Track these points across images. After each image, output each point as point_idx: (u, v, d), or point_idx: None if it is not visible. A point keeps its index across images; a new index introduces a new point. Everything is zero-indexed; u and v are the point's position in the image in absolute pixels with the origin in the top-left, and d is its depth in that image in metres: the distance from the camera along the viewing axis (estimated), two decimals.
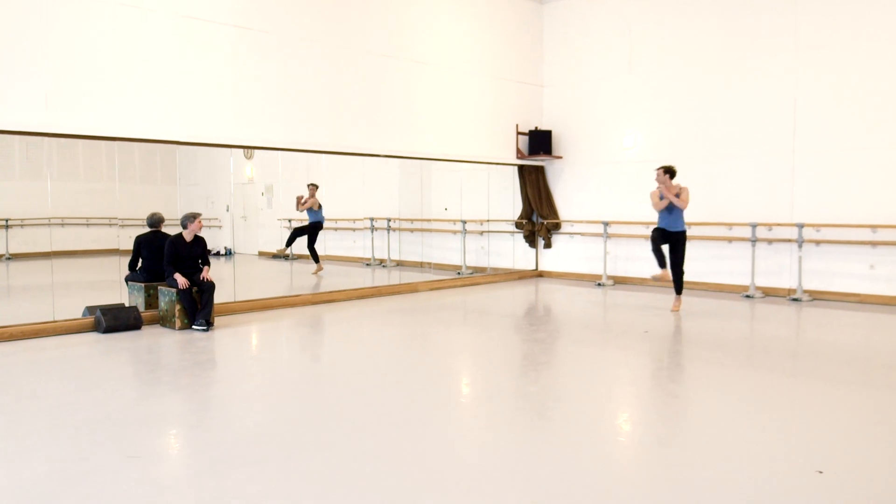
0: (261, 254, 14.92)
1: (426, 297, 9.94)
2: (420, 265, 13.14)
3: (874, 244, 9.04)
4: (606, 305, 9.50)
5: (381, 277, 12.58)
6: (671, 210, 8.23)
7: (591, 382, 5.29)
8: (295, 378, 5.50)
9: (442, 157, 10.88)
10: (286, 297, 8.92)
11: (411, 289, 10.50)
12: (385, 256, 13.07)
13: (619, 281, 11.42)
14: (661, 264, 8.31)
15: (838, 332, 7.47)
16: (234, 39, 8.22)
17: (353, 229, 13.54)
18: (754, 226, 9.81)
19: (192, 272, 7.44)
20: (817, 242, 9.47)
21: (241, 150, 13.95)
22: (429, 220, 13.11)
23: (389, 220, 13.16)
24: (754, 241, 9.84)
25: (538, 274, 12.55)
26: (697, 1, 10.45)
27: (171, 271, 7.30)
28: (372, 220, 13.14)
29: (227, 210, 15.08)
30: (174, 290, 7.27)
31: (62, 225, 10.82)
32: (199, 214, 7.53)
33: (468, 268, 12.48)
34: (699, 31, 10.46)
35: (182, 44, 7.81)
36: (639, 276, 11.26)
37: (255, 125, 8.45)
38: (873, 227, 8.98)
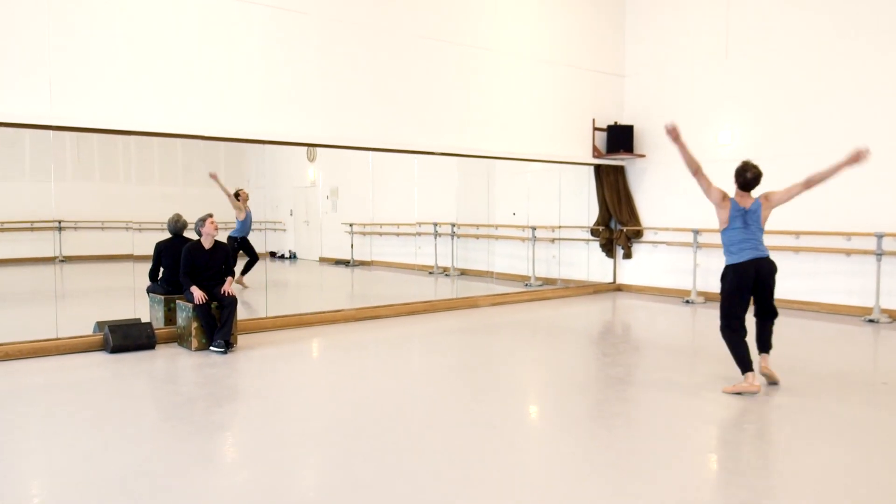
0: (322, 260, 14.19)
1: (487, 314, 8.76)
2: (484, 275, 12.00)
3: None
4: (696, 329, 8.07)
5: (442, 288, 11.48)
6: (749, 222, 5.02)
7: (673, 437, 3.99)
8: (314, 428, 4.40)
9: (506, 155, 9.65)
10: (325, 312, 7.89)
11: (471, 304, 9.33)
12: (449, 264, 11.99)
13: (710, 298, 9.91)
14: (748, 362, 4.97)
15: None
16: (265, 21, 7.27)
17: (418, 234, 12.56)
18: (880, 236, 8.16)
19: (213, 284, 6.50)
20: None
21: (305, 152, 13.30)
22: (495, 226, 11.95)
23: (454, 225, 12.08)
24: (880, 254, 8.18)
25: (616, 287, 11.13)
26: None
27: (188, 283, 6.38)
28: (436, 224, 12.09)
29: (291, 214, 14.43)
30: (190, 305, 6.35)
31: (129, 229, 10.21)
32: (210, 215, 6.58)
33: (537, 279, 11.22)
34: (808, 7, 8.87)
35: (205, 27, 6.91)
36: None
37: (285, 118, 7.46)
38: None
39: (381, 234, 13.28)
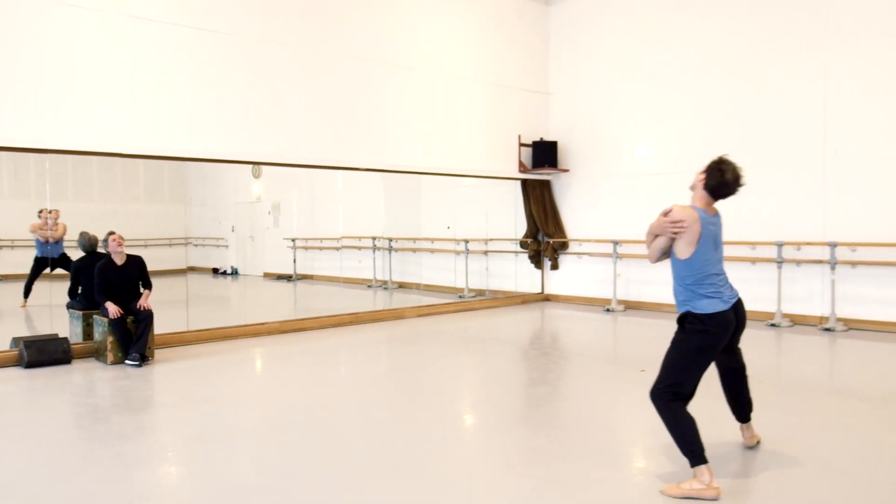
0: (266, 275, 14.33)
1: (414, 325, 9.02)
2: (423, 288, 12.28)
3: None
4: (612, 335, 8.44)
5: (377, 301, 11.73)
6: (718, 243, 3.72)
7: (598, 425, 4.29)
8: (215, 436, 4.60)
9: (435, 170, 9.97)
10: (249, 325, 8.07)
11: (397, 315, 9.58)
12: (391, 279, 12.26)
13: (630, 306, 10.33)
14: (701, 448, 3.35)
15: (880, 369, 6.30)
16: (190, 42, 7.48)
17: (359, 248, 12.80)
18: (780, 245, 8.66)
19: (129, 299, 6.65)
20: (853, 264, 8.27)
21: (250, 169, 13.45)
22: (431, 240, 12.25)
23: (391, 239, 12.36)
24: (781, 262, 8.67)
25: (544, 297, 11.50)
26: (709, 3, 9.42)
27: (103, 300, 6.53)
28: (374, 239, 12.36)
29: (233, 230, 14.53)
30: (106, 319, 6.49)
31: None
32: (111, 232, 6.71)
33: (471, 290, 11.53)
34: (720, 29, 9.39)
35: (130, 47, 7.09)
36: (652, 301, 10.15)
37: (212, 137, 7.67)
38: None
39: (321, 248, 13.49)
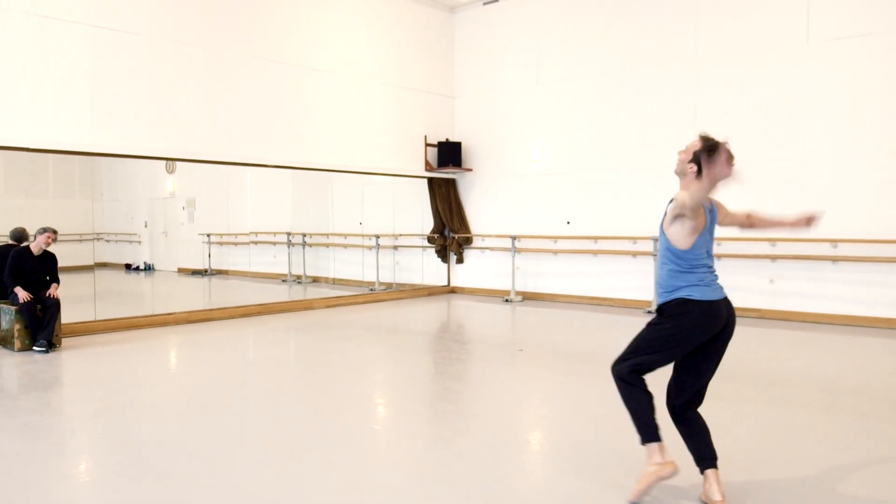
0: (180, 270, 14.42)
1: (322, 315, 9.48)
2: (337, 282, 12.72)
3: (773, 258, 8.83)
4: (510, 323, 9.13)
5: (287, 295, 12.10)
6: (713, 232, 3.33)
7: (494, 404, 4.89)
8: (115, 418, 4.98)
9: (344, 168, 10.46)
10: (156, 315, 8.37)
11: (305, 306, 10.02)
12: (304, 273, 12.63)
13: (528, 297, 11.09)
14: (654, 426, 3.21)
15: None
16: (100, 39, 7.72)
17: (273, 243, 13.10)
18: (655, 239, 9.54)
19: (38, 288, 6.89)
20: (719, 257, 9.23)
21: (164, 164, 13.54)
22: (344, 236, 12.70)
23: (304, 235, 12.73)
24: (656, 255, 9.56)
25: (450, 290, 12.16)
26: (602, 13, 10.24)
27: (13, 284, 6.75)
28: (289, 234, 12.70)
29: (146, 225, 14.56)
30: (14, 308, 6.71)
31: None
32: (49, 230, 6.98)
33: (381, 284, 12.06)
34: (603, 42, 10.24)
35: (38, 43, 7.29)
36: (547, 292, 10.94)
37: (119, 132, 7.92)
38: (772, 241, 8.76)
39: (236, 244, 13.73)
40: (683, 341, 3.15)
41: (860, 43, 8.17)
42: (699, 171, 3.15)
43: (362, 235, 12.24)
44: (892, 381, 5.76)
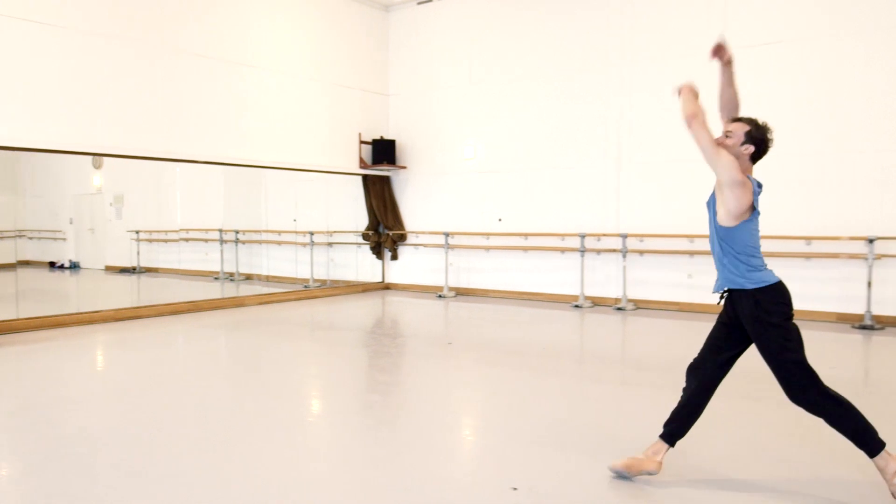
0: (108, 268, 14.06)
1: (254, 312, 9.45)
2: (270, 280, 12.66)
3: (692, 254, 9.26)
4: (447, 319, 9.31)
5: (220, 292, 11.98)
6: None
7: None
8: (41, 415, 4.92)
9: (277, 165, 10.44)
10: (82, 313, 8.21)
11: (237, 303, 9.98)
12: (238, 270, 12.51)
13: (460, 292, 11.30)
14: (877, 436, 3.04)
15: (662, 340, 7.54)
16: (24, 33, 7.51)
17: (205, 240, 12.93)
18: (583, 236, 9.89)
19: None
20: (641, 252, 9.63)
21: (90, 159, 13.17)
22: (278, 233, 12.65)
23: (238, 232, 12.62)
24: (583, 251, 9.91)
25: (385, 286, 12.27)
26: (532, 14, 10.52)
27: None
28: (221, 231, 12.56)
29: (71, 222, 14.14)
30: None
31: None
32: None
33: (316, 281, 12.07)
34: (534, 42, 10.52)
35: None
36: (479, 288, 11.17)
37: (44, 126, 7.74)
38: (690, 237, 9.19)
39: (166, 241, 13.49)
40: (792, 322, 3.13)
41: (773, 50, 8.66)
42: (756, 152, 3.17)
43: (296, 232, 12.23)
44: None
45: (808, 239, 8.37)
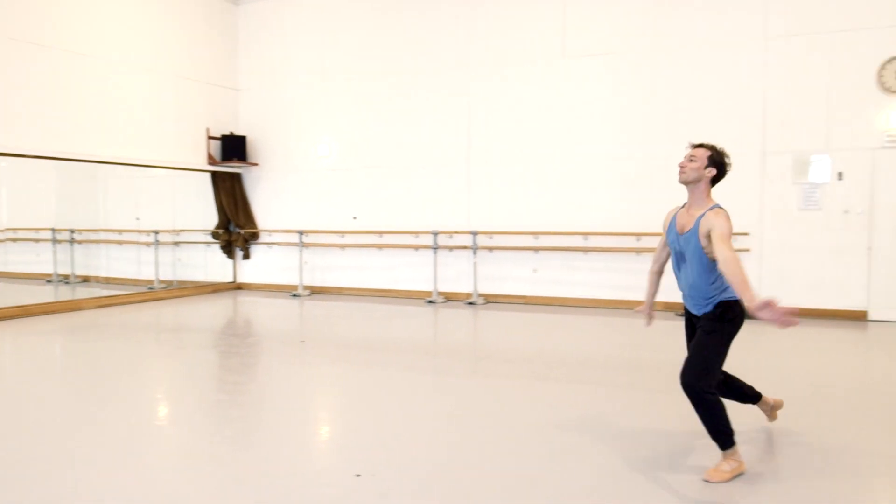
0: None
1: (92, 316, 8.90)
2: (111, 281, 11.91)
3: (536, 250, 9.78)
4: (303, 317, 9.21)
5: (54, 295, 11.15)
6: (682, 260, 3.57)
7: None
8: None
9: (115, 160, 9.87)
10: None
11: (73, 306, 9.36)
12: (74, 272, 11.64)
13: (315, 291, 11.24)
14: (732, 434, 3.47)
15: (487, 332, 7.90)
16: None
17: (36, 240, 11.93)
18: (436, 234, 10.15)
19: None
20: (490, 249, 10.04)
21: None
22: (119, 231, 11.93)
23: (72, 231, 11.77)
24: (436, 248, 10.18)
25: (237, 286, 11.95)
26: (384, 13, 10.65)
27: None
28: (54, 230, 11.66)
29: None
30: None
31: None
32: None
33: (162, 282, 11.52)
34: (387, 41, 10.66)
35: None
36: (334, 286, 11.17)
37: None
38: (535, 234, 9.70)
39: None
40: (730, 341, 3.48)
41: (606, 60, 9.33)
42: (717, 175, 3.48)
43: (139, 231, 11.62)
44: (631, 353, 6.72)
45: (639, 235, 9.10)
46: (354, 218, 10.96)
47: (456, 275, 10.32)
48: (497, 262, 10.07)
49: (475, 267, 9.94)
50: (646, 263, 9.10)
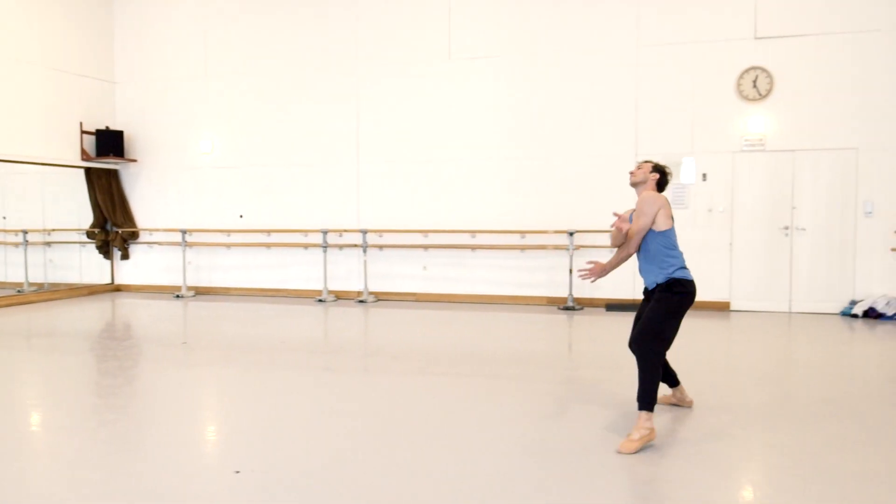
0: None
1: None
2: None
3: (426, 248, 9.92)
4: (181, 319, 8.90)
5: None
6: (642, 249, 4.20)
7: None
8: None
9: None
10: None
11: None
12: None
13: (201, 292, 10.90)
14: (654, 401, 3.91)
15: (376, 330, 7.96)
16: None
17: None
18: (325, 232, 10.10)
19: None
20: (381, 247, 10.09)
21: None
22: None
23: None
24: (326, 246, 10.12)
25: (115, 288, 11.41)
26: (268, 10, 10.47)
27: None
28: None
29: None
30: None
31: None
32: None
33: (32, 285, 10.82)
34: (271, 39, 10.49)
35: None
36: (220, 286, 10.88)
37: None
38: (424, 232, 9.84)
39: None
40: (681, 315, 4.09)
41: (490, 63, 9.59)
42: (661, 180, 4.28)
43: (6, 231, 10.87)
44: (516, 346, 6.96)
45: (523, 233, 9.42)
46: (241, 216, 10.72)
47: (346, 273, 10.30)
48: (387, 260, 10.14)
49: (365, 265, 9.97)
50: (530, 260, 9.48)
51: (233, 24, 10.68)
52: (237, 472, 3.34)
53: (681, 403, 4.58)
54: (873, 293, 8.42)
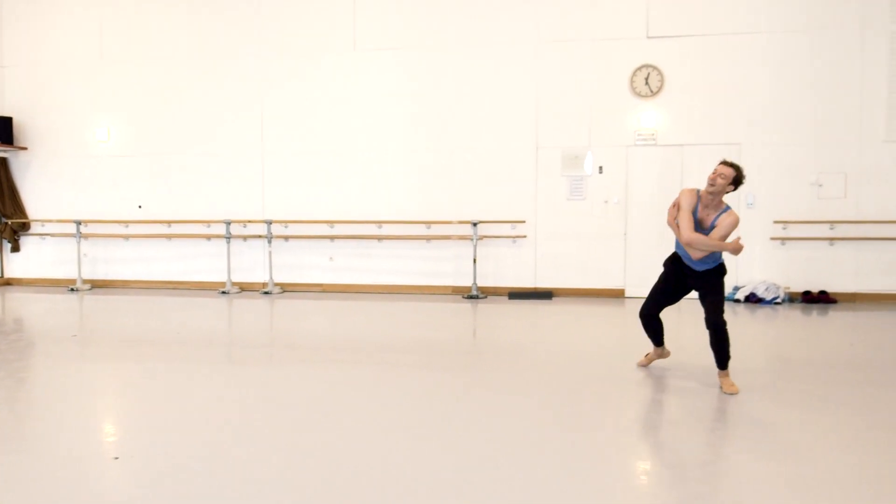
0: None
1: None
2: None
3: (332, 238, 9.91)
4: (76, 314, 8.57)
5: None
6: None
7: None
8: None
9: None
10: None
11: None
12: None
13: (98, 285, 10.52)
14: (656, 340, 5.36)
15: (281, 321, 7.92)
16: None
17: None
18: (229, 223, 9.93)
19: None
20: (286, 238, 10.02)
21: None
22: None
23: None
24: (229, 237, 9.95)
25: (5, 282, 10.86)
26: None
27: None
28: None
29: None
30: None
31: None
32: None
33: None
34: (171, 24, 10.20)
35: None
36: (120, 279, 10.53)
37: None
38: (331, 222, 9.83)
39: None
40: (662, 285, 5.25)
41: (395, 55, 9.66)
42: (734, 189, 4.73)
43: None
44: (421, 335, 7.07)
45: (428, 223, 9.55)
46: (140, 207, 10.40)
47: (251, 264, 10.17)
48: (293, 250, 10.07)
49: (270, 256, 9.87)
50: (436, 251, 9.63)
51: (130, 7, 10.32)
52: (116, 458, 3.31)
53: (661, 357, 5.43)
54: (754, 279, 9.00)
